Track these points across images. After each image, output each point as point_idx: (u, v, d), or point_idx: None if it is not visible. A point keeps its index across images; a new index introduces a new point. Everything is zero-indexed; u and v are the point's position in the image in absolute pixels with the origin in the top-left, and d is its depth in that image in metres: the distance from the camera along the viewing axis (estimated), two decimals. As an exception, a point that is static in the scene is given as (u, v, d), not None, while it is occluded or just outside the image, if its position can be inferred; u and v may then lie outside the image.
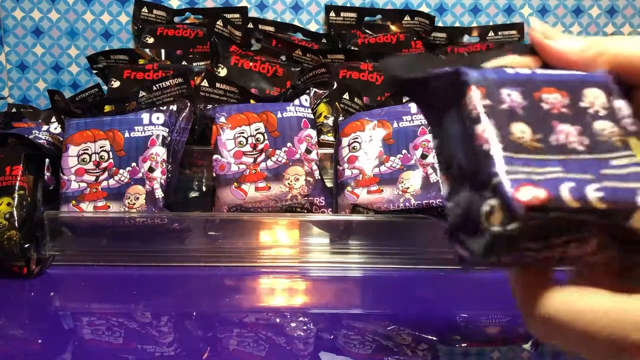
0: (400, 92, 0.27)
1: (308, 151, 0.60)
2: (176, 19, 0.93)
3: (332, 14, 0.92)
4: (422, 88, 0.26)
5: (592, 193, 0.21)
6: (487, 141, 0.22)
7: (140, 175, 0.57)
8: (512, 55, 0.26)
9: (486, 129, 0.23)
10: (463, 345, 0.44)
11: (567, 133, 0.23)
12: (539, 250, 0.22)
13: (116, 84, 0.74)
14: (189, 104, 0.62)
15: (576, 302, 0.22)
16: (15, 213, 0.53)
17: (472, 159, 0.23)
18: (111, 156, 0.58)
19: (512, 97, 0.23)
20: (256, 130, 0.60)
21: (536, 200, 0.21)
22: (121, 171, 0.57)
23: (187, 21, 0.94)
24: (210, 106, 0.64)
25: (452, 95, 0.24)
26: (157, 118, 0.59)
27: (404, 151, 0.59)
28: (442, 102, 0.25)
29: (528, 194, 0.21)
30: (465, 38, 0.94)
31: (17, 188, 0.54)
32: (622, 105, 0.24)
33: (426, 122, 0.28)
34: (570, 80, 0.24)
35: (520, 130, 0.23)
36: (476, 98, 0.23)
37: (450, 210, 0.24)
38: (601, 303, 0.21)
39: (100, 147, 0.58)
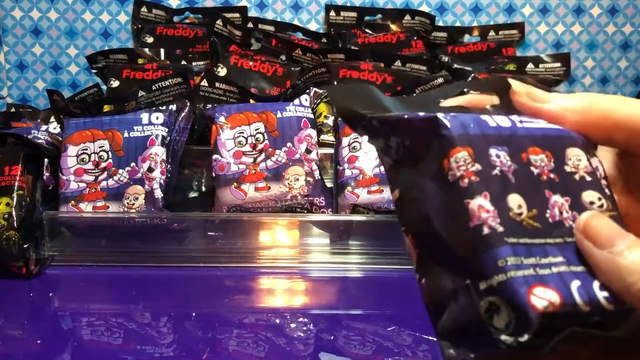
0: (353, 128, 0.22)
1: (308, 151, 0.60)
2: (176, 19, 0.93)
3: (332, 13, 0.92)
4: (385, 129, 0.22)
5: (599, 292, 0.19)
6: (485, 222, 0.19)
7: (139, 175, 0.57)
8: (471, 94, 0.24)
9: (483, 205, 0.20)
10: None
11: (560, 206, 0.21)
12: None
13: (115, 83, 0.74)
14: (188, 104, 0.61)
15: None
16: (14, 213, 0.52)
17: (461, 239, 0.20)
18: (110, 156, 0.57)
19: (501, 159, 0.21)
20: (256, 130, 0.60)
21: (552, 307, 0.18)
22: (120, 171, 0.57)
23: (187, 21, 0.94)
24: (210, 106, 0.64)
25: (428, 147, 0.21)
26: (157, 118, 0.59)
27: (404, 151, 0.58)
28: (411, 150, 0.22)
29: (542, 300, 0.18)
30: (466, 37, 0.94)
31: (16, 188, 0.53)
32: (597, 165, 0.22)
33: (383, 166, 0.23)
34: (551, 136, 0.22)
35: (518, 205, 0.20)
36: (465, 161, 0.20)
37: (427, 296, 0.21)
38: None
39: (100, 147, 0.58)
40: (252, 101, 0.67)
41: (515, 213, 0.20)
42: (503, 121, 0.22)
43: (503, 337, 0.18)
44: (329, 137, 0.69)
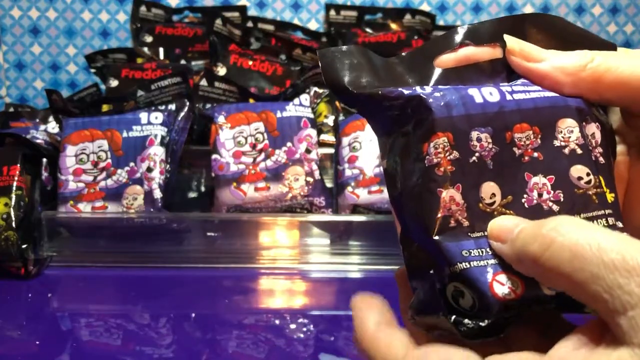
0: (344, 103, 0.22)
1: (308, 151, 0.59)
2: (175, 18, 0.93)
3: (332, 12, 0.92)
4: (372, 104, 0.22)
5: None
6: (452, 214, 0.20)
7: (138, 175, 0.56)
8: (469, 47, 0.23)
9: (453, 197, 0.20)
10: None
11: (539, 189, 0.21)
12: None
13: (114, 83, 0.73)
14: (187, 104, 0.61)
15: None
16: (12, 213, 0.52)
17: (429, 224, 0.20)
18: (109, 156, 0.57)
19: (482, 142, 0.20)
20: (255, 129, 0.59)
21: (513, 295, 0.19)
22: (119, 171, 0.57)
23: (186, 20, 0.93)
24: (209, 105, 0.64)
25: (412, 126, 0.21)
26: (156, 117, 0.59)
27: (405, 151, 0.58)
28: (397, 125, 0.22)
29: (504, 287, 0.19)
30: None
31: (14, 188, 0.53)
32: (594, 131, 0.22)
33: (375, 134, 0.23)
34: (543, 107, 0.21)
35: (491, 193, 0.20)
36: (444, 148, 0.20)
37: (407, 269, 0.22)
38: None
39: (98, 147, 0.58)
40: (251, 101, 0.66)
41: (486, 204, 0.20)
42: (491, 95, 0.21)
43: (466, 320, 0.19)
44: (329, 137, 0.68)
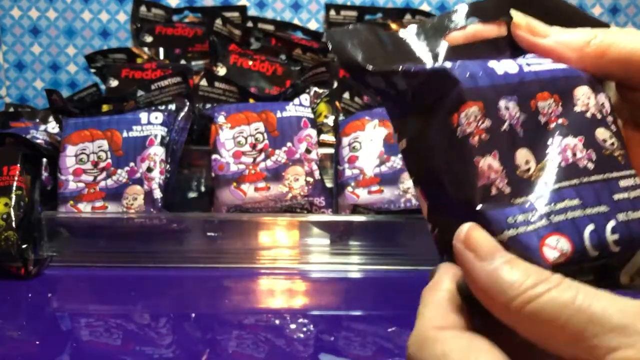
0: (359, 82, 0.22)
1: (308, 151, 0.59)
2: (175, 18, 0.93)
3: (332, 12, 0.92)
4: (393, 82, 0.22)
5: (610, 236, 0.20)
6: (493, 183, 0.20)
7: (138, 175, 0.56)
8: (476, 24, 0.23)
9: (492, 165, 0.20)
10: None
11: (572, 148, 0.21)
12: None
13: (114, 83, 0.73)
14: (187, 104, 0.61)
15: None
16: (12, 213, 0.52)
17: (469, 196, 0.20)
18: (109, 156, 0.57)
19: (510, 111, 0.21)
20: (255, 129, 0.59)
21: (563, 258, 0.19)
22: (119, 171, 0.57)
23: (186, 20, 0.93)
24: (209, 105, 0.64)
25: (437, 99, 0.21)
26: (156, 117, 0.59)
27: (405, 151, 0.58)
28: (419, 102, 0.22)
29: (555, 250, 0.19)
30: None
31: (14, 188, 0.53)
32: (604, 101, 0.22)
33: (389, 116, 0.23)
34: (559, 77, 0.22)
35: (525, 160, 0.20)
36: (475, 117, 0.20)
37: (441, 247, 0.21)
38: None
39: (98, 147, 0.58)
40: (251, 101, 0.66)
41: (522, 170, 0.20)
42: (510, 67, 0.22)
43: None
44: (329, 137, 0.68)
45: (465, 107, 0.20)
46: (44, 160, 0.57)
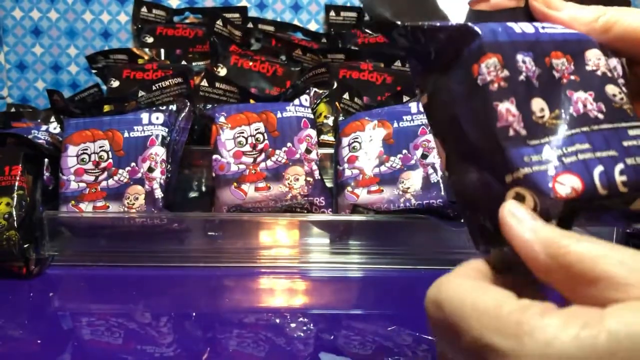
0: (387, 37, 0.24)
1: (308, 151, 0.60)
2: (176, 19, 0.93)
3: (332, 13, 0.92)
4: (418, 37, 0.23)
5: (619, 177, 0.21)
6: (511, 125, 0.21)
7: (139, 175, 0.57)
8: None
9: (510, 109, 0.21)
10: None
11: (584, 101, 0.23)
12: None
13: (115, 83, 0.74)
14: (188, 104, 0.61)
15: (465, 293, 0.20)
16: (14, 213, 0.52)
17: (488, 137, 0.21)
18: (110, 156, 0.57)
19: (527, 64, 0.22)
20: (256, 130, 0.60)
21: (574, 193, 0.20)
22: (120, 171, 0.57)
23: (187, 21, 0.94)
24: (210, 106, 0.64)
25: (458, 53, 0.23)
26: (157, 118, 0.59)
27: (405, 151, 0.58)
28: (441, 57, 0.23)
29: (566, 187, 0.20)
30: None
31: (16, 188, 0.53)
32: (616, 64, 0.24)
33: (412, 72, 0.25)
34: (571, 40, 0.24)
35: (540, 108, 0.22)
36: (495, 67, 0.22)
37: (457, 191, 0.23)
38: (485, 302, 0.19)
39: (100, 147, 0.58)
40: (252, 101, 0.67)
41: (537, 116, 0.22)
42: (527, 27, 0.23)
43: None
44: (329, 137, 0.69)
45: (486, 58, 0.22)
46: (46, 160, 0.57)
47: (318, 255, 0.57)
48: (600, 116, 0.22)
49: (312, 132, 0.61)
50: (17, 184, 0.53)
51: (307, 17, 0.95)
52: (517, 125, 0.21)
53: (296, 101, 0.62)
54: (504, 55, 0.22)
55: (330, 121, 0.70)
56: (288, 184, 0.58)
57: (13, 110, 0.79)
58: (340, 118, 0.69)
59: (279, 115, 0.60)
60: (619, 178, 0.21)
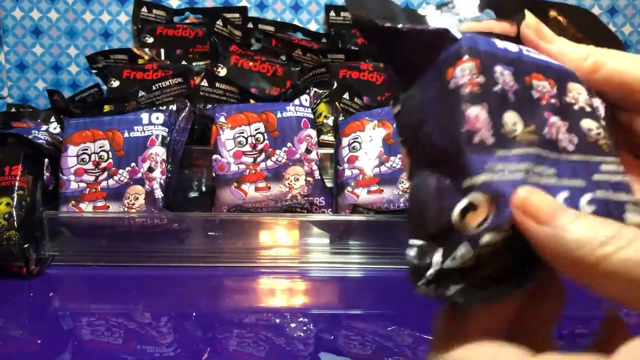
0: (366, 38, 0.22)
1: (308, 151, 0.60)
2: (176, 19, 0.93)
3: (332, 13, 0.92)
4: (396, 40, 0.22)
5: (586, 207, 0.20)
6: (477, 131, 0.20)
7: (139, 175, 0.57)
8: (491, 21, 0.24)
9: (479, 115, 0.20)
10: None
11: (558, 127, 0.21)
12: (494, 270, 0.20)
13: (115, 83, 0.74)
14: (188, 104, 0.61)
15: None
16: (14, 213, 0.52)
17: (452, 142, 0.20)
18: (110, 156, 0.57)
19: (505, 77, 0.21)
20: (256, 130, 0.60)
21: None
22: (120, 171, 0.57)
23: (187, 21, 0.94)
24: (210, 106, 0.64)
25: (434, 57, 0.21)
26: (157, 118, 0.59)
27: (404, 151, 0.58)
28: (417, 62, 0.22)
29: None
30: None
31: (16, 188, 0.53)
32: (599, 105, 0.23)
33: (389, 84, 0.24)
34: (555, 69, 0.23)
35: (513, 122, 0.20)
36: (471, 71, 0.20)
37: (411, 196, 0.21)
38: None
39: (100, 147, 0.58)
40: (252, 101, 0.67)
41: (508, 129, 0.20)
42: (511, 46, 0.22)
43: (470, 231, 0.19)
44: (329, 137, 0.69)
45: (462, 62, 0.21)
46: (46, 160, 0.57)
47: (318, 255, 0.57)
48: (571, 147, 0.21)
49: (312, 132, 0.61)
50: (17, 184, 0.53)
51: (307, 17, 0.95)
52: (484, 132, 0.20)
53: (296, 101, 0.62)
54: (483, 62, 0.21)
55: (330, 121, 0.70)
56: (288, 184, 0.58)
57: (13, 110, 0.79)
58: (340, 118, 0.69)
59: (279, 115, 0.60)
60: (587, 207, 0.20)
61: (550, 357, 0.18)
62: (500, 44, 0.22)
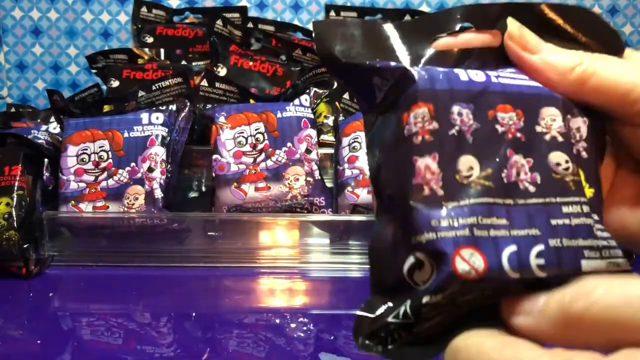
0: (332, 74, 0.21)
1: (308, 151, 0.60)
2: (175, 19, 0.93)
3: (332, 13, 0.92)
4: (359, 76, 0.22)
5: (534, 260, 0.19)
6: (427, 183, 0.19)
7: (139, 175, 0.57)
8: (469, 34, 0.23)
9: (429, 166, 0.20)
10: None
11: (519, 167, 0.20)
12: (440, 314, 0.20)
13: (115, 83, 0.74)
14: (188, 104, 0.61)
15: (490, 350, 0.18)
16: (14, 213, 0.52)
17: (403, 194, 0.20)
18: (110, 156, 0.57)
19: (462, 117, 0.20)
20: (256, 130, 0.60)
21: (474, 273, 0.18)
22: (120, 171, 0.57)
23: (187, 21, 0.94)
24: (210, 106, 0.64)
25: (396, 98, 0.21)
26: (157, 118, 0.59)
27: (404, 151, 0.58)
28: (381, 99, 0.22)
29: (466, 264, 0.18)
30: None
31: (15, 188, 0.53)
32: (580, 125, 0.22)
33: (360, 109, 0.23)
34: (528, 94, 0.21)
35: (468, 167, 0.20)
36: (423, 119, 0.20)
37: (370, 242, 0.21)
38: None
39: (100, 147, 0.58)
40: (252, 101, 0.67)
41: (463, 176, 0.20)
42: (477, 76, 0.21)
43: (421, 289, 0.19)
44: (329, 137, 0.69)
45: (416, 108, 0.20)
46: (46, 160, 0.57)
47: (318, 255, 0.57)
48: (532, 189, 0.20)
49: (312, 132, 0.61)
50: (17, 184, 0.53)
51: (307, 17, 0.95)
52: (434, 184, 0.19)
53: (296, 101, 0.62)
54: (437, 105, 0.20)
55: (330, 121, 0.70)
56: (288, 184, 0.58)
57: (13, 110, 0.79)
58: (340, 118, 0.69)
59: (279, 115, 0.60)
60: (535, 261, 0.19)
61: (546, 352, 0.18)
62: (464, 75, 0.21)
